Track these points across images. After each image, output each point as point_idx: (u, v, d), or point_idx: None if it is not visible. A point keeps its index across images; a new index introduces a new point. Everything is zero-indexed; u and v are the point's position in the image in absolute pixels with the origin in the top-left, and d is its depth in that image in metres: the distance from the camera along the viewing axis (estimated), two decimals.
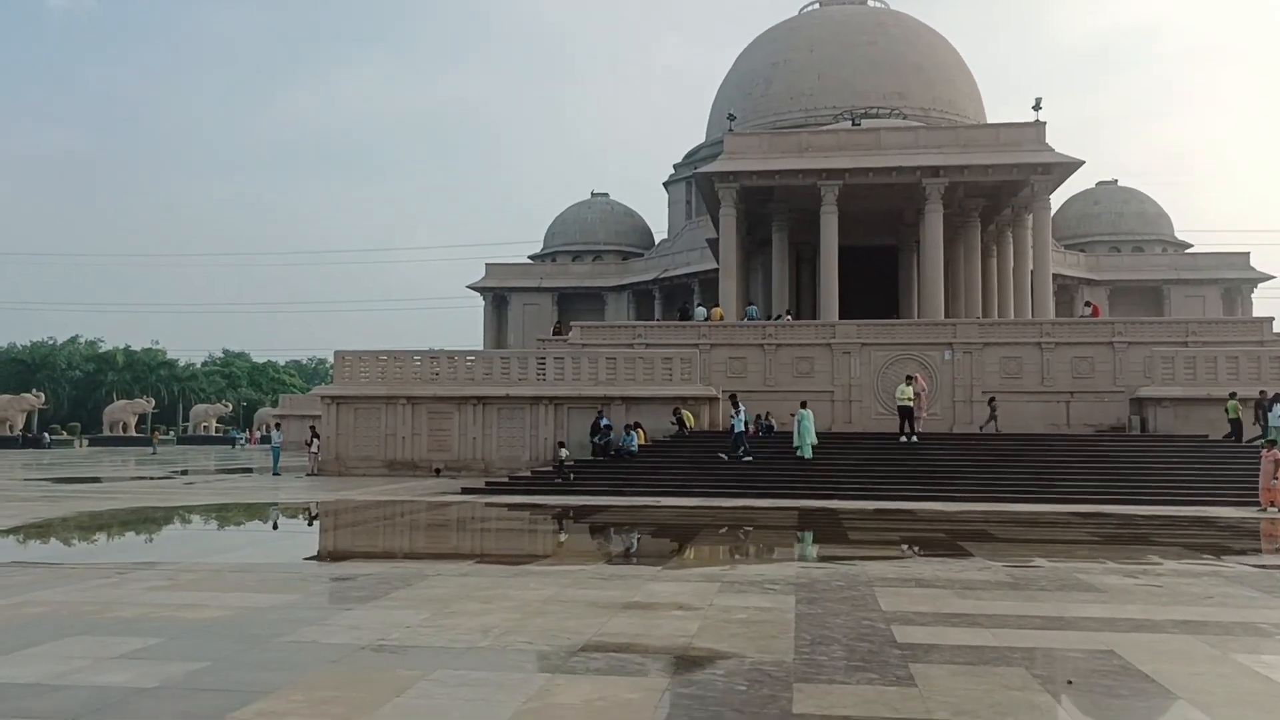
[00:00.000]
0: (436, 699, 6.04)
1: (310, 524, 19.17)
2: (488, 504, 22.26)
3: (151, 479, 32.54)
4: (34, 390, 77.27)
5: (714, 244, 48.42)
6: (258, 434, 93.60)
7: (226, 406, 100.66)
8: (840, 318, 37.25)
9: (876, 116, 49.81)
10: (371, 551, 14.74)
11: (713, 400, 33.22)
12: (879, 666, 6.81)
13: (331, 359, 37.70)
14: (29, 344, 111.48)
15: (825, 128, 46.77)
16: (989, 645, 7.50)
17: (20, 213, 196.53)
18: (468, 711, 5.79)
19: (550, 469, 28.53)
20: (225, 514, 20.92)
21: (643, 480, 25.74)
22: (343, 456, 35.17)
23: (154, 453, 59.82)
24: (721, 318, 37.12)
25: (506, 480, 27.43)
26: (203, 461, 48.54)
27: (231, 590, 10.13)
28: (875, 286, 44.88)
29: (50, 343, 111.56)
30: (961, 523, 17.63)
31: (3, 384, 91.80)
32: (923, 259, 41.02)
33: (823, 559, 12.75)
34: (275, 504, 22.97)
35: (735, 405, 28.24)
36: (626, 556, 13.94)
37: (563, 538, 16.93)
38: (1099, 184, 66.51)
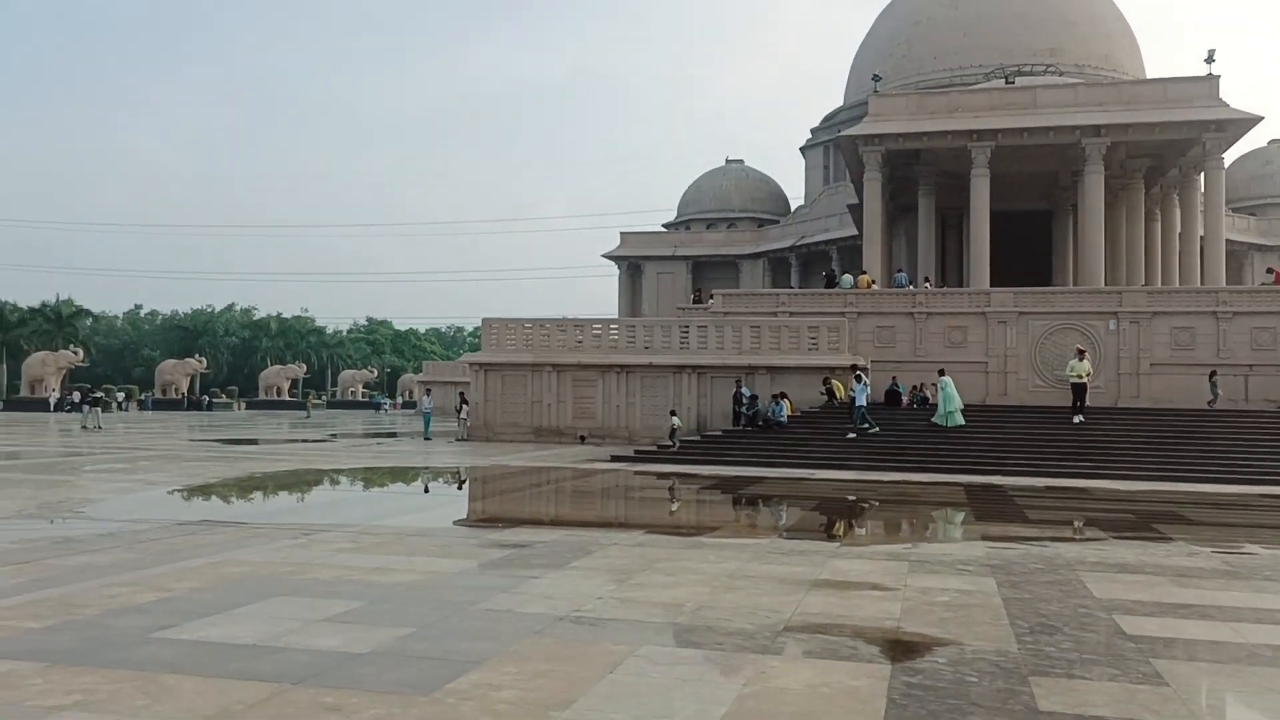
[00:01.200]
0: (652, 677, 5.86)
1: (473, 488, 19.47)
2: (637, 472, 22.23)
3: (310, 441, 33.82)
4: (196, 355, 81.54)
5: (855, 209, 47.17)
6: (400, 400, 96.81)
7: (372, 372, 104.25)
8: (990, 285, 35.79)
9: (1030, 74, 47.49)
10: (539, 518, 14.81)
11: (863, 370, 32.43)
12: (1117, 661, 6.31)
13: (469, 327, 38.68)
14: (190, 311, 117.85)
15: (975, 87, 44.83)
16: (1232, 642, 6.89)
17: (181, 185, 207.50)
18: (688, 692, 5.59)
19: (699, 438, 28.32)
20: (391, 477, 21.49)
21: (793, 452, 25.27)
22: (491, 422, 35.82)
23: (308, 416, 62.34)
24: (870, 285, 36.06)
25: (654, 449, 27.38)
26: (352, 425, 50.32)
27: (415, 554, 10.25)
28: (1026, 253, 42.97)
29: (209, 310, 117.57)
30: (1145, 503, 16.63)
31: (168, 349, 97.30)
32: (1081, 224, 38.99)
33: (1008, 539, 12.13)
34: (435, 468, 23.50)
35: (858, 377, 27.55)
36: (798, 530, 13.59)
37: (726, 509, 16.72)
38: (1271, 142, 62.08)
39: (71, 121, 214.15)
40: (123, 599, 7.73)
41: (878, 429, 26.43)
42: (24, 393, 66.03)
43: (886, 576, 9.16)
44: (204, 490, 17.18)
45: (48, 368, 66.07)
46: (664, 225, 74.40)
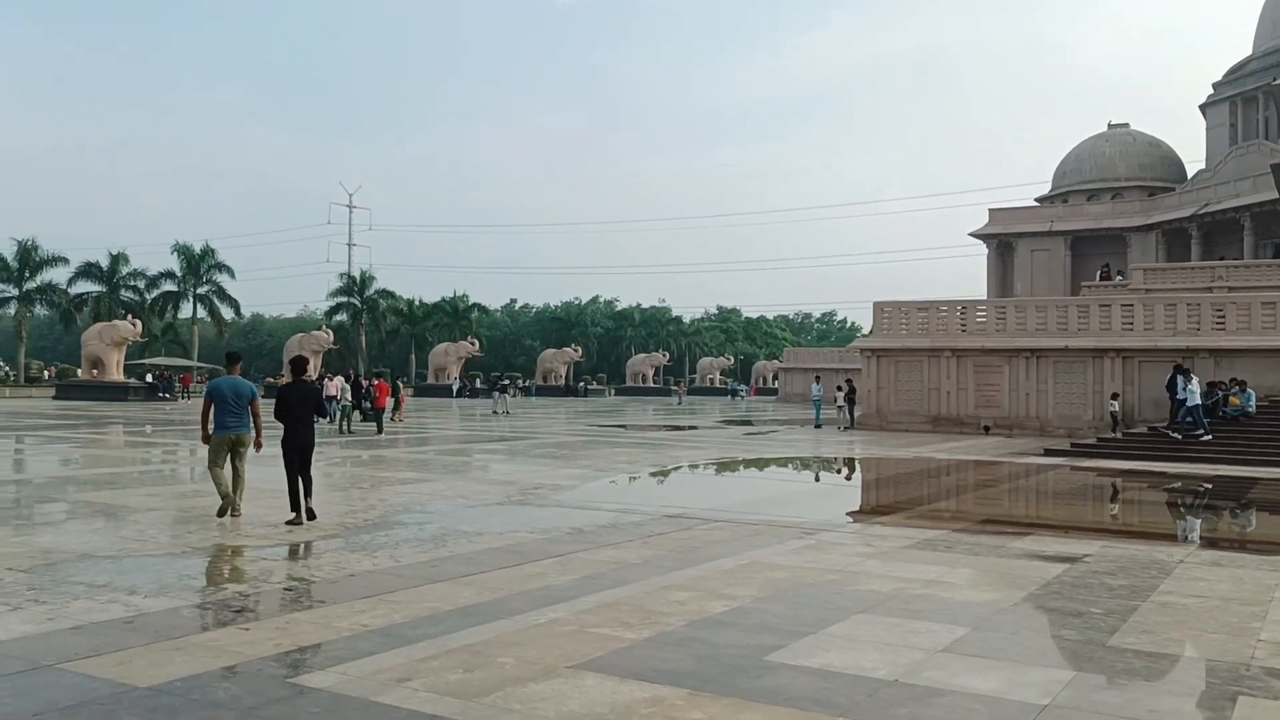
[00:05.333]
0: None
1: (927, 485, 18.01)
2: (1088, 469, 19.69)
3: (703, 428, 33.88)
4: (572, 345, 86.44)
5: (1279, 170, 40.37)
6: (754, 385, 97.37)
7: (728, 360, 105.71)
8: None
9: None
10: (1028, 520, 13.03)
11: None
12: None
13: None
14: (560, 304, 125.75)
15: None
16: None
17: (541, 186, 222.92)
18: None
19: (1146, 431, 24.98)
20: (824, 467, 20.58)
21: (1271, 448, 21.51)
22: (883, 410, 34.16)
23: (679, 403, 63.75)
24: None
25: (1094, 442, 24.45)
26: (723, 412, 50.54)
27: (957, 566, 8.93)
28: None
29: (576, 303, 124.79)
30: None
31: (545, 339, 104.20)
32: None
33: None
34: (868, 458, 22.30)
35: (1186, 374, 23.19)
36: None
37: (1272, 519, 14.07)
38: None
39: (444, 134, 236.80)
40: (693, 607, 7.02)
41: (1210, 436, 22.31)
42: (430, 380, 72.86)
43: None
44: (655, 476, 17.03)
45: (450, 357, 72.54)
46: (1037, 199, 68.68)
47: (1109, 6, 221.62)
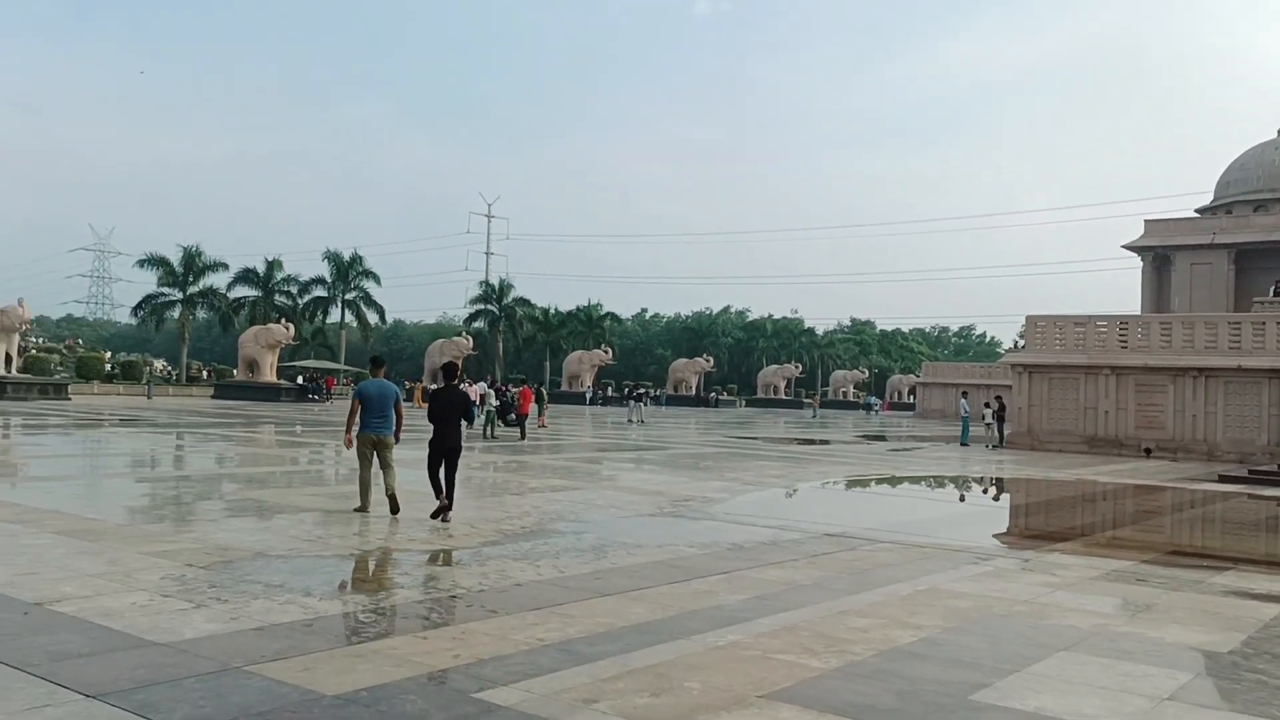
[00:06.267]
0: None
1: (1099, 510, 17.01)
2: (1250, 495, 18.26)
3: (845, 443, 33.07)
4: (704, 355, 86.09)
5: None
6: (888, 400, 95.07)
7: (863, 373, 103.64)
8: None
9: None
10: (1246, 554, 11.97)
11: None
12: None
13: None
14: (691, 314, 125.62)
15: None
16: None
17: (676, 195, 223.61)
18: None
19: None
20: (981, 488, 19.75)
21: None
22: (1035, 429, 32.69)
23: (813, 416, 62.67)
24: None
25: (1274, 469, 22.70)
26: (856, 426, 49.38)
27: (1159, 602, 8.22)
28: None
29: (708, 313, 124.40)
30: None
31: (676, 349, 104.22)
32: None
33: None
34: (1013, 479, 21.29)
35: None
36: None
37: None
38: None
39: (581, 144, 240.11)
40: (878, 635, 6.59)
41: None
42: (564, 387, 73.67)
43: None
44: (805, 492, 16.56)
45: (583, 365, 73.23)
46: (1197, 210, 64.95)
47: (1275, 7, 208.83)
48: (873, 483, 19.43)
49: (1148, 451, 30.25)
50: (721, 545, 10.15)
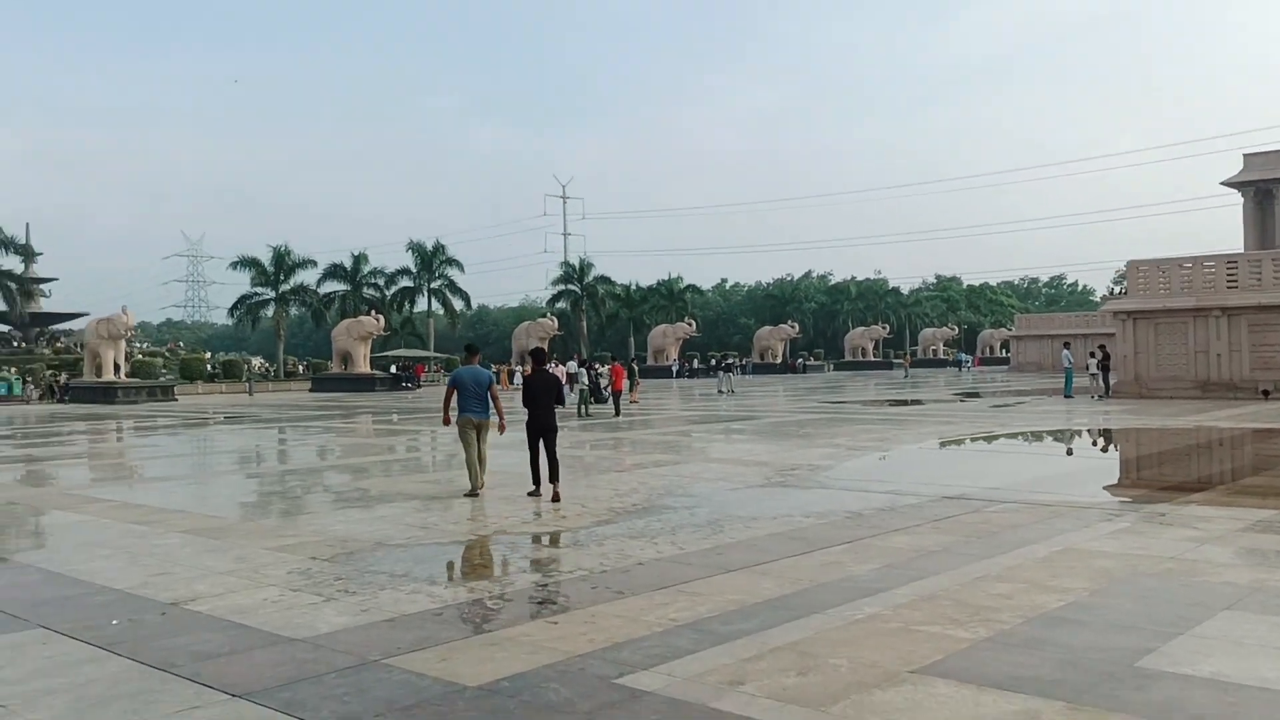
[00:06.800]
0: None
1: (1215, 455, 16.27)
2: None
3: (938, 402, 32.31)
4: (789, 321, 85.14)
5: None
6: (978, 355, 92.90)
7: (952, 330, 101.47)
8: None
9: None
10: None
11: None
12: None
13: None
14: (773, 280, 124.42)
15: None
16: None
17: (749, 164, 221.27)
18: None
19: None
20: (1093, 440, 19.07)
21: None
22: (1142, 377, 31.51)
23: (905, 376, 61.56)
24: None
25: None
26: (950, 384, 48.28)
27: None
28: None
29: (789, 279, 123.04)
30: None
31: (760, 317, 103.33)
32: None
33: None
34: (1127, 429, 20.48)
35: None
36: None
37: None
38: None
39: (651, 119, 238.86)
40: (1023, 601, 6.29)
41: None
42: (649, 361, 73.59)
43: None
44: (913, 454, 16.15)
45: (668, 339, 72.99)
46: None
47: None
48: (981, 441, 18.88)
49: (1265, 394, 28.91)
50: (838, 514, 9.89)
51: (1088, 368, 33.43)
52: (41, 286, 76.12)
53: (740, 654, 5.27)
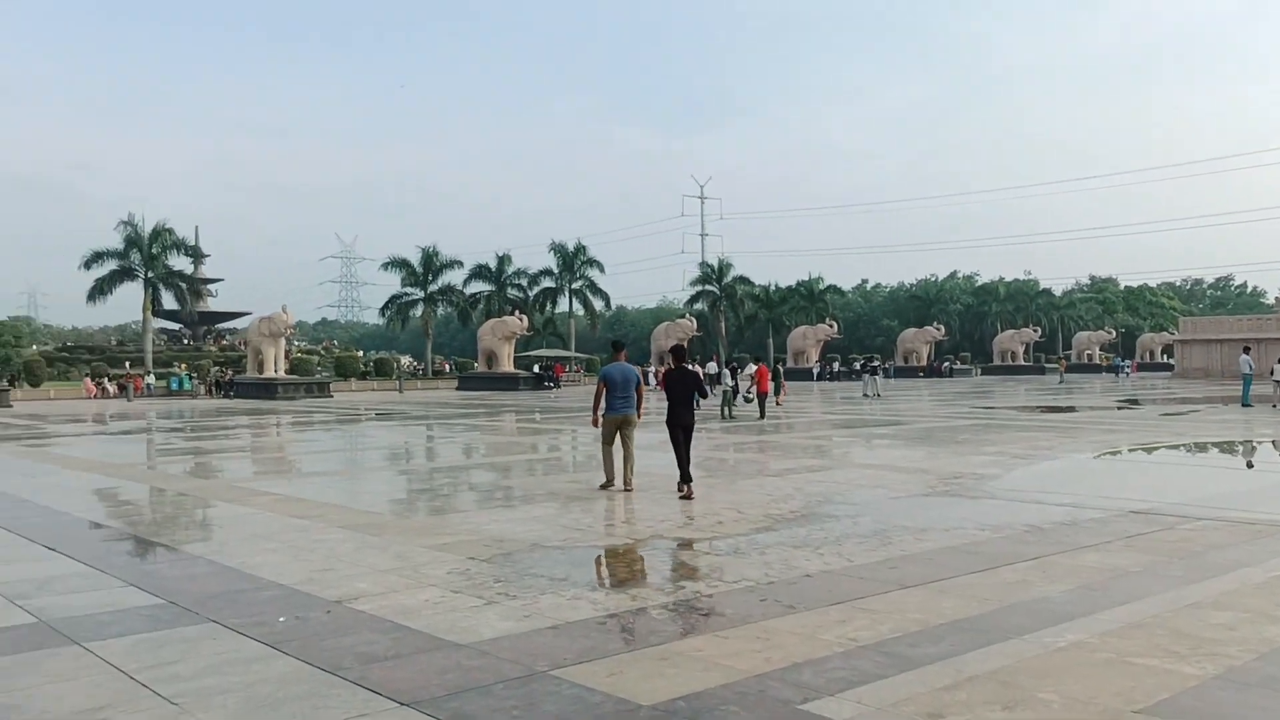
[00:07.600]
0: None
1: None
2: None
3: (1098, 409, 30.54)
4: (935, 324, 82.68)
5: None
6: (1137, 361, 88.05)
7: (1109, 333, 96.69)
8: None
9: None
10: None
11: None
12: None
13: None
14: (917, 281, 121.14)
15: None
16: None
17: (891, 162, 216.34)
18: None
19: None
20: (1261, 453, 17.61)
21: None
22: None
23: (1060, 381, 58.81)
24: None
25: None
26: (1109, 391, 45.75)
27: None
28: None
29: (934, 279, 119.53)
30: None
31: (903, 319, 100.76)
32: None
33: None
34: None
35: None
36: None
37: None
38: None
39: (790, 118, 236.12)
40: (1249, 633, 5.59)
41: None
42: (789, 363, 72.60)
43: None
44: (1085, 464, 15.16)
45: (808, 340, 71.92)
46: None
47: None
48: (1157, 451, 17.62)
49: None
50: (1016, 527, 9.23)
51: (1273, 373, 31.01)
52: (209, 287, 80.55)
53: (934, 682, 4.81)
